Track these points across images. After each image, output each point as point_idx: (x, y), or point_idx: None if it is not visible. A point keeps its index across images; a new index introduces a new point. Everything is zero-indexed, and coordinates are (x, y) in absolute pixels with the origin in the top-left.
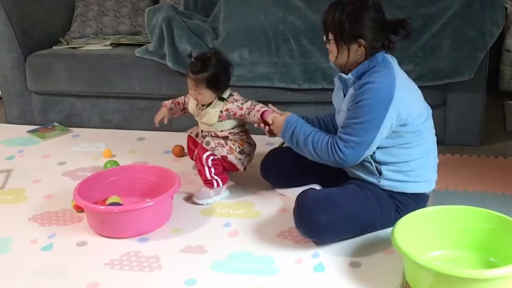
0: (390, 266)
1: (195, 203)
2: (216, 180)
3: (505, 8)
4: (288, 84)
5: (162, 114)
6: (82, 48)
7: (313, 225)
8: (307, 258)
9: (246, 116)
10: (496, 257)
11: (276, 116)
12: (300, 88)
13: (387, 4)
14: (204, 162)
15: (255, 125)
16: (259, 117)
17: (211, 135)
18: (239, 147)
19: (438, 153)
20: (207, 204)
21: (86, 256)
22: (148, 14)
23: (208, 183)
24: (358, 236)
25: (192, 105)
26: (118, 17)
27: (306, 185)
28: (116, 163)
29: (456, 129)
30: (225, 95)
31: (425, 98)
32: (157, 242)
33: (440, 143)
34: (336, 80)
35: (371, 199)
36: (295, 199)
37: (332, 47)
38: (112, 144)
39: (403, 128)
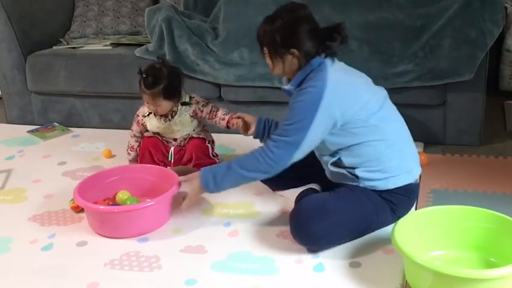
0: (390, 266)
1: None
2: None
3: (505, 8)
4: None
5: None
6: (82, 48)
7: (309, 236)
8: (307, 258)
9: (207, 120)
10: (496, 257)
11: (186, 183)
12: None
13: (387, 4)
14: (207, 143)
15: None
16: (226, 125)
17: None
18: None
19: (438, 153)
20: None
21: (86, 256)
22: (148, 14)
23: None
24: (356, 238)
25: (153, 123)
26: (118, 17)
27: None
28: None
29: (456, 129)
30: (186, 99)
31: (425, 98)
32: (157, 242)
33: (440, 143)
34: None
35: (364, 202)
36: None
37: (267, 60)
38: (112, 144)
39: (349, 125)
